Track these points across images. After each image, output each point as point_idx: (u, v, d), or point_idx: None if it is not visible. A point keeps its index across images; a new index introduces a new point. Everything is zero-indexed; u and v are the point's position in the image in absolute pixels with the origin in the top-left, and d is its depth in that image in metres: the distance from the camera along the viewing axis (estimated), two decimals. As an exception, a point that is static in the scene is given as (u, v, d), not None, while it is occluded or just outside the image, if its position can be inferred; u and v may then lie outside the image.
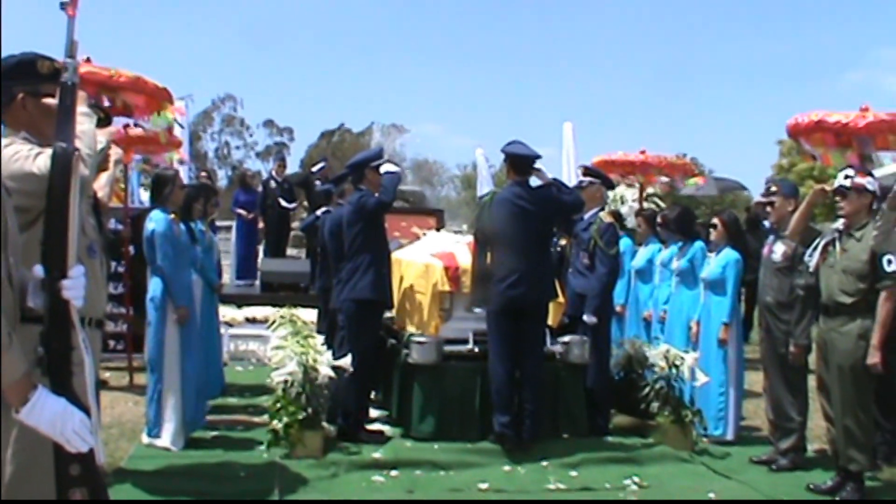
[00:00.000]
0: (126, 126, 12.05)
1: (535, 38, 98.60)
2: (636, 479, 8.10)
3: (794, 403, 8.64)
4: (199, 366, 8.97)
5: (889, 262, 7.35)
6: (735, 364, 9.68)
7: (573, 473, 8.22)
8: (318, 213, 11.71)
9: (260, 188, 19.81)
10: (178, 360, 8.59)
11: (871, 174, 8.15)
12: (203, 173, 21.73)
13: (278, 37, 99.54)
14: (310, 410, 8.41)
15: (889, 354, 7.37)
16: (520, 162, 8.94)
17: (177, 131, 14.37)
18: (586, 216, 9.71)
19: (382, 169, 9.20)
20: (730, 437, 9.59)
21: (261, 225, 19.03)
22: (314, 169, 19.54)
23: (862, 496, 7.61)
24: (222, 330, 13.19)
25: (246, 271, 18.86)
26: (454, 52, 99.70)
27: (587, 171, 10.49)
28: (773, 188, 9.09)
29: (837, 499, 7.61)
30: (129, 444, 8.74)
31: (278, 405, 8.49)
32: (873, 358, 7.38)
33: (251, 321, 14.68)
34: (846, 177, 7.76)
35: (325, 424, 8.75)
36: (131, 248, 12.40)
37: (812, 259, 7.91)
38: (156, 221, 8.58)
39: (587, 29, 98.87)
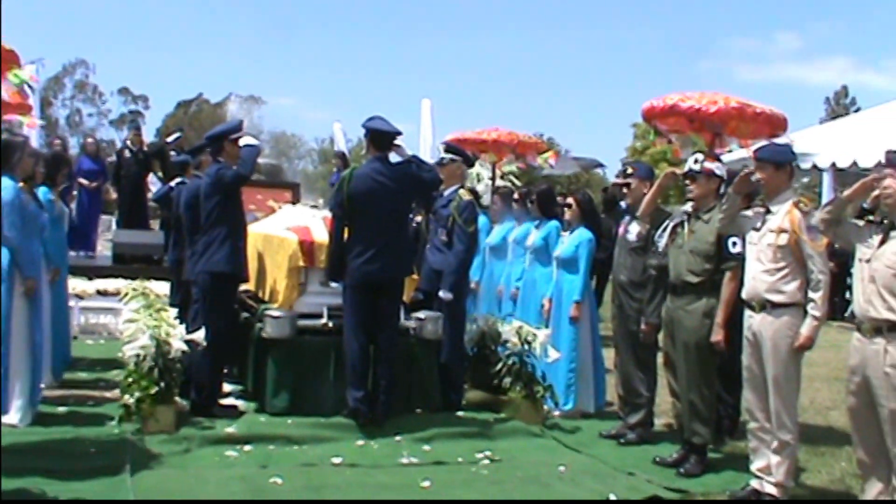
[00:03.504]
0: None
1: (393, 13, 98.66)
2: (488, 453, 8.22)
3: (643, 379, 8.87)
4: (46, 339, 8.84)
5: (734, 244, 7.60)
6: (589, 341, 9.90)
7: (426, 448, 8.30)
8: (173, 184, 11.55)
9: (114, 157, 19.37)
10: (26, 334, 8.42)
11: (719, 159, 8.40)
12: (57, 141, 21.17)
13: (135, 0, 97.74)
14: (162, 385, 8.31)
15: (732, 332, 7.61)
16: (380, 137, 8.94)
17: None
18: (446, 193, 9.75)
19: (241, 142, 9.11)
20: (589, 409, 9.89)
21: (113, 196, 18.63)
22: (169, 139, 19.22)
23: (704, 468, 7.86)
24: (72, 303, 12.95)
25: (83, 242, 18.31)
26: (312, 25, 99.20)
27: (448, 147, 10.55)
28: (630, 170, 9.28)
29: (681, 471, 7.83)
30: (-26, 420, 8.55)
31: (130, 379, 8.37)
32: (717, 335, 7.65)
33: (102, 294, 14.39)
34: (696, 161, 8.00)
35: (177, 399, 8.66)
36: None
37: (662, 240, 8.14)
38: (3, 189, 8.36)
39: (446, 4, 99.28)
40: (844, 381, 6.56)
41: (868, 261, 6.25)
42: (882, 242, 6.21)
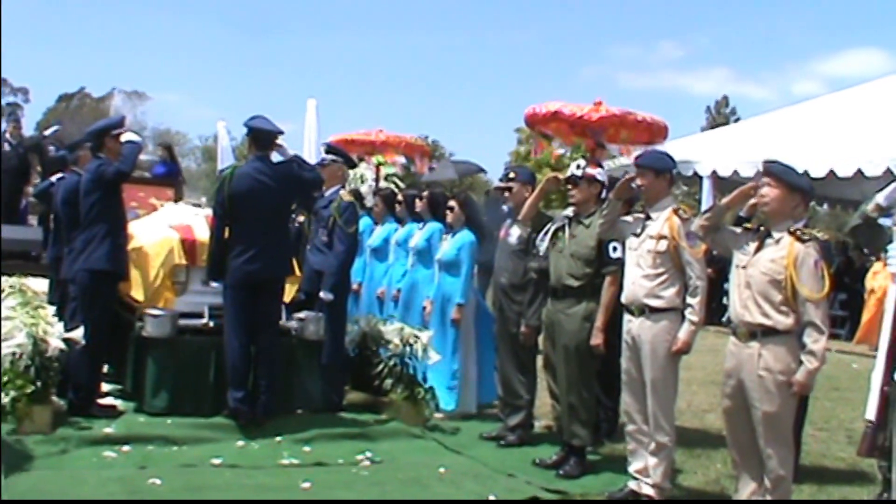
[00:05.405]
0: None
1: (280, 11, 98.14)
2: (369, 454, 8.22)
3: (523, 381, 8.94)
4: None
5: (614, 249, 7.72)
6: (473, 342, 9.98)
7: (307, 449, 8.27)
8: (53, 179, 11.33)
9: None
10: None
11: (600, 165, 8.52)
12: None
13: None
14: (39, 384, 8.11)
15: (611, 336, 7.72)
16: (262, 137, 8.91)
17: None
18: (327, 194, 9.74)
19: (123, 138, 9.01)
20: (471, 410, 10.01)
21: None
22: (46, 132, 18.81)
23: (583, 469, 7.95)
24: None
25: None
26: (198, 20, 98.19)
27: (329, 149, 10.54)
28: (512, 174, 9.36)
29: (561, 472, 7.92)
30: None
31: (5, 378, 8.14)
32: (597, 339, 7.76)
33: (-24, 290, 14.05)
34: (578, 167, 8.10)
35: (54, 398, 8.50)
36: None
37: (543, 243, 8.22)
38: None
39: (331, 3, 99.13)
40: (720, 384, 6.69)
41: (744, 267, 6.40)
42: (758, 249, 6.35)
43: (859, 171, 15.94)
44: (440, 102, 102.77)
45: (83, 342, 8.48)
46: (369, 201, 14.45)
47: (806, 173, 9.21)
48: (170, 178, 18.21)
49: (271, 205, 8.79)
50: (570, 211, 8.20)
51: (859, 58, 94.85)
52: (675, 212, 7.15)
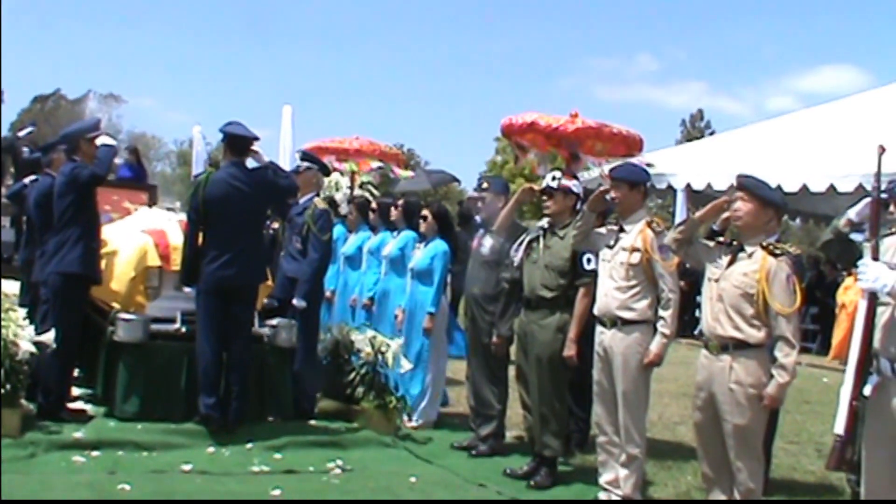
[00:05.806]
0: None
1: (257, 17, 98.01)
2: (340, 462, 8.20)
3: (494, 391, 8.95)
4: None
5: (588, 260, 7.73)
6: (445, 352, 9.99)
7: (277, 456, 8.25)
8: (27, 181, 11.26)
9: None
10: None
11: (576, 177, 8.53)
12: None
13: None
14: (8, 387, 8.06)
15: (584, 347, 7.73)
16: (237, 142, 8.90)
17: None
18: (301, 201, 9.72)
19: (98, 141, 8.97)
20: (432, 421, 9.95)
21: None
22: (21, 134, 18.73)
23: (554, 480, 7.96)
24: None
25: None
26: (176, 24, 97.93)
27: (304, 155, 10.53)
28: (485, 184, 9.38)
29: (532, 483, 7.92)
30: None
31: (-26, 382, 8.14)
32: (570, 350, 7.76)
33: (-53, 292, 13.93)
34: (553, 178, 8.11)
35: (24, 402, 8.43)
36: None
37: (517, 254, 8.22)
38: None
39: (308, 11, 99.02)
40: (692, 396, 6.72)
41: (717, 280, 6.42)
42: (731, 263, 6.38)
43: (832, 187, 15.97)
44: (416, 111, 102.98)
45: (54, 345, 8.42)
46: (344, 209, 14.45)
47: (779, 188, 9.27)
48: (135, 182, 18.18)
49: (246, 211, 8.76)
50: (544, 222, 8.21)
51: (833, 74, 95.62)
52: (649, 224, 7.20)
